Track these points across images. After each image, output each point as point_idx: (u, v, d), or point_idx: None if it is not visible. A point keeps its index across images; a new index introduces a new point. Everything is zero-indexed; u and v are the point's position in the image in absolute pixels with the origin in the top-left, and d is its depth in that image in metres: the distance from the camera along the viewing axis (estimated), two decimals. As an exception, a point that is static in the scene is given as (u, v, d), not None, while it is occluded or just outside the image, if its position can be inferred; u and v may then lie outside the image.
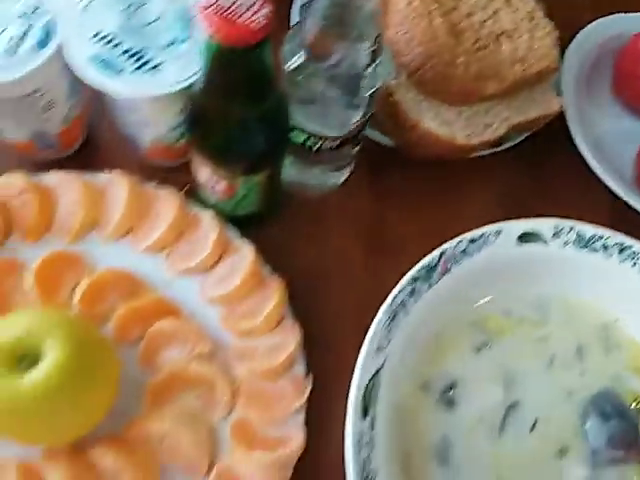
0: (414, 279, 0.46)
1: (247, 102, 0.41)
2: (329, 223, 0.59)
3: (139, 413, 0.46)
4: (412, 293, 0.46)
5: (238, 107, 0.40)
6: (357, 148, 0.54)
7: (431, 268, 0.47)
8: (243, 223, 0.54)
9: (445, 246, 0.48)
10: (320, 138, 0.48)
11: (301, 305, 0.52)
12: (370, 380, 0.42)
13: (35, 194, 0.50)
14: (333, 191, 0.60)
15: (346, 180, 0.61)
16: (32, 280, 0.48)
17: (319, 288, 0.56)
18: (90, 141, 0.58)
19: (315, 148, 0.49)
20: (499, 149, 0.61)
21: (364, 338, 0.44)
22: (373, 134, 0.59)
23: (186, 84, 0.44)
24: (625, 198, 0.59)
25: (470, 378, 0.49)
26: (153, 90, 0.44)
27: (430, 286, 0.47)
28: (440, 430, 0.47)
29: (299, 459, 0.46)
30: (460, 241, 0.48)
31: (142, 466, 0.44)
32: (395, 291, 0.45)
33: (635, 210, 0.59)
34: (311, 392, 0.48)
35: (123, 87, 0.44)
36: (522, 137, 0.62)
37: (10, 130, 0.50)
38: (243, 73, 0.37)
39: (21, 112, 0.47)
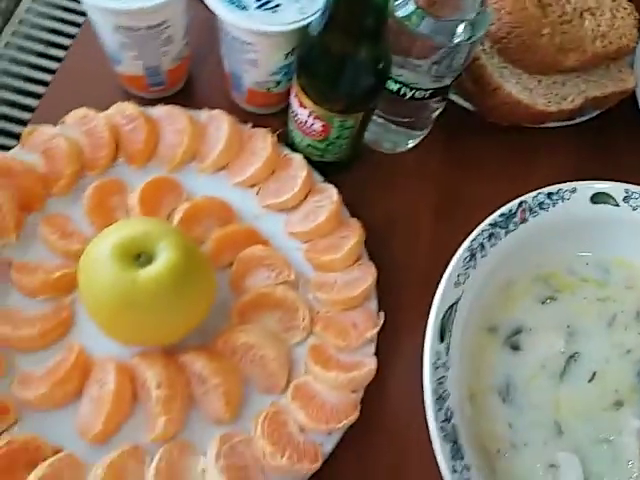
0: (493, 224, 0.49)
1: (361, 41, 0.44)
2: (403, 179, 0.62)
3: (227, 328, 0.49)
4: (490, 237, 0.48)
5: (351, 45, 0.43)
6: (441, 107, 0.57)
7: (509, 216, 0.49)
8: (327, 169, 0.57)
9: (524, 197, 0.50)
10: (412, 88, 0.51)
11: (374, 250, 0.55)
12: (448, 309, 0.45)
13: (144, 122, 0.53)
14: (409, 151, 0.63)
15: (422, 142, 0.63)
16: (137, 200, 0.51)
17: (390, 236, 0.59)
18: (191, 84, 0.62)
19: (408, 96, 0.52)
20: (572, 122, 0.63)
21: (431, 284, 0.46)
22: (456, 98, 0.62)
23: (303, 23, 0.48)
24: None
25: (534, 327, 0.51)
26: (273, 27, 0.48)
27: (507, 233, 0.49)
28: (505, 370, 0.49)
29: (368, 386, 0.49)
30: (539, 193, 0.50)
31: (228, 374, 0.47)
32: (475, 233, 0.48)
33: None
34: (381, 327, 0.51)
35: (246, 22, 0.48)
36: (595, 113, 0.64)
37: (129, 62, 0.53)
38: (365, 11, 0.40)
39: (145, 43, 0.51)
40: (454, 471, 0.40)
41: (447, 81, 0.51)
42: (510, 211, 0.49)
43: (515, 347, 0.50)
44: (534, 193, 0.50)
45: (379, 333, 0.51)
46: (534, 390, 0.49)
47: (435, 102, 0.55)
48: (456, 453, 0.41)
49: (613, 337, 0.52)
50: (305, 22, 0.48)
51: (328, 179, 0.57)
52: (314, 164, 0.56)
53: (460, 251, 0.47)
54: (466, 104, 0.62)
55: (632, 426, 0.48)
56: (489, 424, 0.47)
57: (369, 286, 0.51)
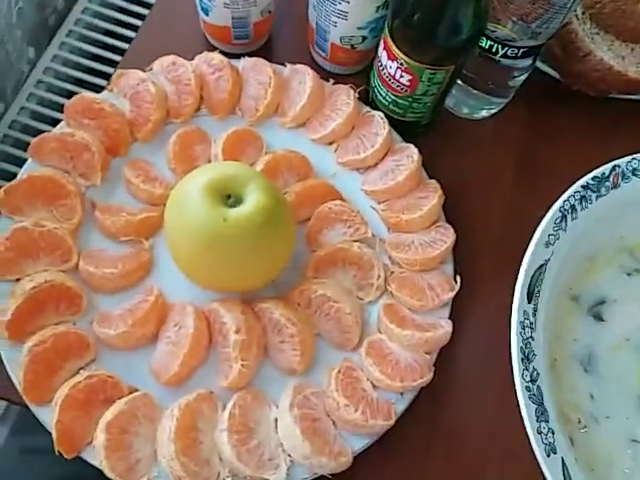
0: (585, 187, 0.46)
1: None
2: (482, 144, 0.59)
3: (302, 281, 0.48)
4: (582, 200, 0.45)
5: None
6: (524, 75, 0.54)
7: (602, 180, 0.46)
8: (406, 129, 0.55)
9: (618, 161, 0.47)
10: (505, 45, 0.48)
11: (450, 213, 0.53)
12: (537, 269, 0.42)
13: (230, 72, 0.52)
14: (489, 118, 0.61)
15: (503, 109, 0.61)
16: (220, 149, 0.50)
17: (467, 201, 0.56)
18: (272, 42, 0.61)
19: (499, 54, 0.49)
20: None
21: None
22: (541, 65, 0.59)
23: None
24: None
25: (619, 298, 0.48)
26: None
27: (598, 197, 0.46)
28: (586, 340, 0.46)
29: (441, 349, 0.48)
30: (633, 159, 0.47)
31: (304, 325, 0.45)
32: (567, 194, 0.45)
33: None
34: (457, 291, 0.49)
35: None
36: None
37: (218, 10, 0.52)
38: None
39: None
40: (539, 432, 0.38)
41: (541, 40, 0.48)
42: (603, 174, 0.46)
43: (598, 317, 0.47)
44: (628, 158, 0.47)
45: (454, 297, 0.49)
46: (617, 362, 0.46)
47: (521, 67, 0.52)
48: (541, 415, 0.39)
49: (701, 313, 0.48)
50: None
51: (406, 140, 0.54)
52: (393, 124, 0.54)
53: (552, 211, 0.44)
54: (552, 71, 0.58)
55: None
56: (570, 393, 0.44)
57: (447, 249, 0.49)
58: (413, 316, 0.48)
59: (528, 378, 0.39)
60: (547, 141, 0.60)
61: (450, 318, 0.48)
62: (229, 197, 0.41)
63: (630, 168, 0.47)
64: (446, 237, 0.49)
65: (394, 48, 0.47)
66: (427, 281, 0.49)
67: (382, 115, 0.53)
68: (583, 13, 0.56)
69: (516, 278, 0.41)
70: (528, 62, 0.51)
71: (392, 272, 0.49)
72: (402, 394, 0.45)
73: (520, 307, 0.41)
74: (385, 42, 0.49)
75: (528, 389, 0.39)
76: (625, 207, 0.48)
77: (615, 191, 0.47)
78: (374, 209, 0.52)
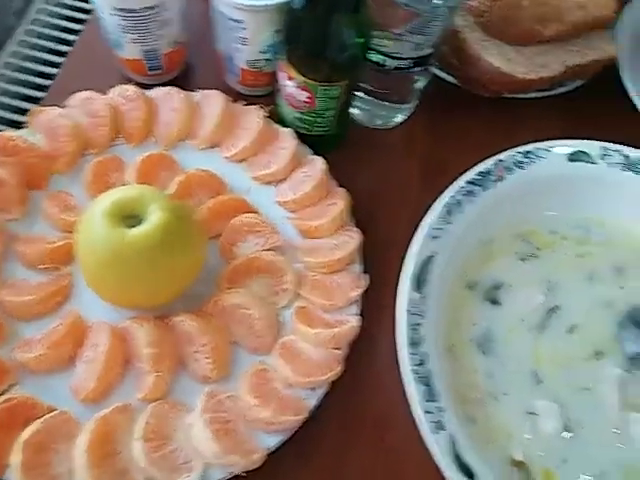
0: (470, 182, 0.47)
1: (340, 10, 0.44)
2: (391, 153, 0.61)
3: (216, 292, 0.49)
4: (468, 194, 0.47)
5: (332, 15, 0.44)
6: (423, 80, 0.56)
7: (487, 174, 0.48)
8: (316, 145, 0.56)
9: (501, 155, 0.49)
10: (394, 58, 0.50)
11: (361, 220, 0.55)
12: (424, 261, 0.44)
13: (142, 102, 0.54)
14: (397, 126, 0.62)
15: (409, 117, 0.63)
16: (134, 174, 0.52)
17: (377, 207, 0.57)
18: (188, 71, 0.62)
19: (391, 67, 0.51)
20: (554, 93, 0.61)
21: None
22: (440, 73, 0.61)
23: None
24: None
25: (515, 282, 0.49)
26: (259, 1, 0.49)
27: (484, 190, 0.48)
28: (484, 323, 0.48)
29: (355, 344, 0.49)
30: (516, 152, 0.49)
31: (216, 334, 0.46)
32: (452, 189, 0.47)
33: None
34: (367, 290, 0.51)
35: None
36: (576, 84, 0.62)
37: (129, 45, 0.54)
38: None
39: (142, 25, 0.51)
40: (427, 412, 0.39)
41: (427, 50, 0.50)
42: (487, 169, 0.48)
43: (495, 301, 0.49)
44: (511, 152, 0.49)
45: (366, 295, 0.50)
46: (513, 342, 0.47)
47: (418, 74, 0.54)
48: (430, 395, 0.40)
49: (592, 291, 0.50)
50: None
51: (321, 153, 0.56)
52: (304, 140, 0.56)
53: (437, 207, 0.46)
54: (450, 78, 0.61)
55: (612, 375, 0.46)
56: (469, 375, 0.46)
57: (353, 250, 0.51)
58: (324, 315, 0.49)
59: (417, 361, 0.40)
60: (453, 144, 0.61)
61: (362, 315, 0.50)
62: (131, 218, 0.42)
63: (513, 161, 0.49)
64: (351, 239, 0.51)
65: (289, 68, 0.49)
66: (336, 281, 0.50)
67: (290, 131, 0.54)
68: (473, 22, 0.58)
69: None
70: (422, 71, 0.53)
71: (305, 276, 0.51)
72: (314, 389, 0.46)
73: (407, 294, 0.42)
74: (281, 63, 0.51)
75: (415, 371, 0.40)
76: (515, 197, 0.50)
77: (502, 183, 0.49)
78: (288, 219, 0.53)
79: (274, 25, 0.51)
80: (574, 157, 0.49)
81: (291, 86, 0.50)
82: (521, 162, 0.48)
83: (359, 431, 0.48)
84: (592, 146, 0.49)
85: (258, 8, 0.49)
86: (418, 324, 0.42)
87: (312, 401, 0.45)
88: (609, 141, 0.53)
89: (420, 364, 0.40)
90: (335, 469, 0.46)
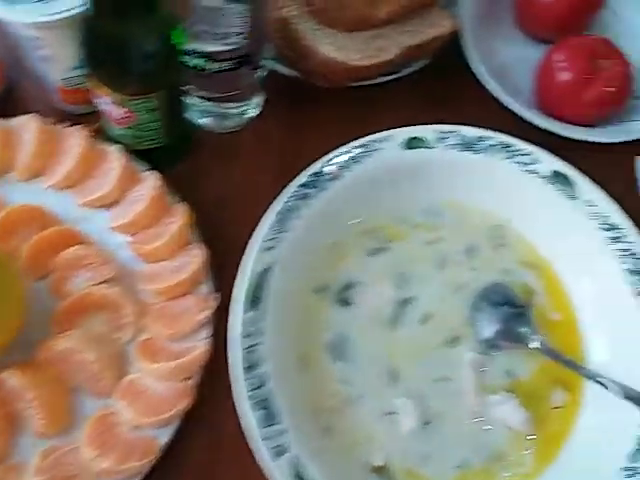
0: (304, 185, 0.45)
1: (132, 17, 0.40)
2: (245, 155, 0.57)
3: (48, 337, 0.45)
4: (303, 197, 0.45)
5: (123, 26, 0.40)
6: (252, 78, 0.53)
7: (321, 174, 0.46)
8: (153, 158, 0.53)
9: (334, 153, 0.47)
10: (212, 59, 0.47)
11: (215, 231, 0.52)
12: (260, 275, 0.42)
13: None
14: (246, 127, 0.59)
15: (260, 116, 0.60)
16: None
17: (232, 213, 0.54)
18: (10, 94, 0.57)
19: (212, 70, 0.48)
20: (401, 75, 0.60)
21: None
22: (280, 67, 0.58)
23: (75, 11, 0.44)
24: (526, 117, 0.58)
25: (365, 280, 0.48)
26: (43, 16, 0.45)
27: (321, 191, 0.46)
28: (336, 327, 0.46)
29: (209, 371, 0.46)
30: (349, 148, 0.47)
31: (46, 386, 0.42)
32: (284, 196, 0.44)
33: (539, 129, 0.58)
34: (221, 309, 0.47)
35: (18, 15, 0.45)
36: (423, 63, 0.60)
37: None
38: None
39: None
40: (266, 438, 0.37)
41: (244, 50, 0.47)
42: (321, 169, 0.46)
43: (346, 303, 0.47)
44: (345, 147, 0.47)
45: (220, 314, 0.47)
46: (367, 342, 0.46)
47: (246, 73, 0.51)
48: (270, 419, 0.38)
49: (445, 277, 0.49)
50: (77, 10, 0.44)
51: (158, 168, 0.52)
52: (140, 156, 0.52)
53: (269, 216, 0.43)
54: (290, 71, 0.58)
55: (467, 359, 0.46)
56: (323, 384, 0.44)
57: (197, 270, 0.47)
58: (171, 345, 0.46)
59: (255, 385, 0.38)
60: (307, 137, 0.58)
61: (216, 336, 0.47)
62: None
63: (348, 157, 0.47)
64: (194, 258, 0.48)
65: (97, 84, 0.45)
66: (182, 306, 0.47)
67: (117, 148, 0.50)
68: (304, 10, 0.55)
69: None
70: (250, 70, 0.50)
71: (148, 305, 0.47)
72: (165, 426, 0.43)
73: (241, 316, 0.40)
74: (89, 80, 0.46)
75: (252, 397, 0.37)
76: (358, 192, 0.48)
77: (340, 181, 0.47)
78: (126, 244, 0.50)
79: (76, 39, 0.46)
80: (411, 144, 0.48)
81: (105, 103, 0.47)
82: (356, 157, 0.46)
83: (222, 458, 0.45)
84: (427, 131, 0.48)
85: (51, 23, 0.44)
86: (255, 344, 0.39)
87: (164, 439, 0.42)
88: (460, 117, 0.52)
89: (258, 387, 0.38)
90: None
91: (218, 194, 0.56)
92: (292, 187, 0.45)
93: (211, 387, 0.45)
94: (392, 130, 0.48)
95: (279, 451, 0.37)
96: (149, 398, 0.43)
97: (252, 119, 0.58)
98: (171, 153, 0.54)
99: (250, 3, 0.43)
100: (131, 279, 0.48)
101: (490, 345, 0.46)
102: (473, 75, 0.60)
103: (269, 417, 0.37)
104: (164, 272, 0.47)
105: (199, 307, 0.46)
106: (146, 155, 0.52)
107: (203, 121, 0.57)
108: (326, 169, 0.46)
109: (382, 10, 0.54)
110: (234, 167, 0.57)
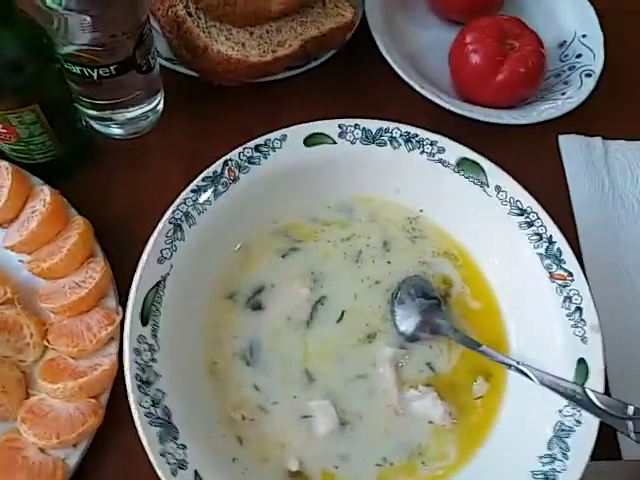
0: (196, 190, 0.48)
1: None
2: (150, 159, 0.60)
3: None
4: (196, 203, 0.47)
5: None
6: (152, 76, 0.55)
7: (215, 178, 0.48)
8: (51, 172, 0.55)
9: (229, 155, 0.49)
10: (93, 67, 0.49)
11: (118, 243, 0.54)
12: (152, 288, 0.44)
13: None
14: (149, 132, 0.61)
15: (162, 119, 0.62)
16: None
17: (138, 225, 0.56)
18: None
19: (95, 76, 0.50)
20: (308, 68, 0.63)
21: None
22: (179, 68, 0.61)
23: None
24: (438, 102, 0.61)
25: (277, 282, 0.51)
26: None
27: (217, 196, 0.48)
28: (248, 333, 0.49)
29: (120, 388, 0.48)
30: (244, 148, 0.49)
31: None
32: (175, 203, 0.47)
33: (455, 114, 0.62)
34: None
35: None
36: (330, 54, 0.64)
37: None
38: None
39: None
40: (163, 454, 0.39)
41: (124, 54, 0.49)
42: (215, 173, 0.49)
43: (257, 307, 0.50)
44: (239, 149, 0.49)
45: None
46: (280, 345, 0.49)
47: (134, 77, 0.53)
48: (167, 435, 0.40)
49: (361, 272, 0.52)
50: None
51: (61, 180, 0.54)
52: (36, 170, 0.54)
53: (160, 225, 0.46)
54: (189, 72, 0.60)
55: (385, 354, 0.49)
56: (235, 392, 0.47)
57: (98, 284, 0.50)
58: (76, 364, 0.48)
59: (149, 403, 0.40)
60: (212, 138, 0.62)
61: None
62: None
63: (244, 158, 0.50)
64: (95, 272, 0.50)
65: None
66: (86, 323, 0.49)
67: (5, 164, 0.52)
68: (197, 8, 0.58)
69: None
70: (135, 75, 0.52)
71: (52, 324, 0.49)
72: (75, 446, 0.45)
73: (133, 333, 0.42)
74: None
75: (149, 415, 0.40)
76: (260, 194, 0.51)
77: (237, 184, 0.49)
78: (23, 263, 0.51)
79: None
80: (312, 141, 0.51)
81: (-20, 119, 0.48)
82: (253, 158, 0.49)
83: (134, 477, 0.47)
84: (326, 126, 0.51)
85: None
86: (151, 359, 0.41)
87: (74, 459, 0.45)
88: (376, 108, 0.56)
89: (154, 405, 0.40)
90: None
91: (123, 203, 0.58)
92: (184, 194, 0.47)
93: (122, 405, 0.47)
94: (290, 127, 0.50)
95: (179, 466, 0.39)
96: (52, 420, 0.45)
97: (154, 123, 0.60)
98: (68, 164, 0.56)
99: (101, 12, 0.45)
100: (30, 298, 0.50)
101: (409, 338, 0.49)
102: (387, 63, 0.63)
103: (166, 433, 0.40)
104: (64, 289, 0.50)
105: (104, 323, 0.49)
106: (43, 168, 0.54)
107: (103, 129, 0.59)
108: (221, 171, 0.48)
109: (273, 2, 0.57)
110: (139, 174, 0.60)
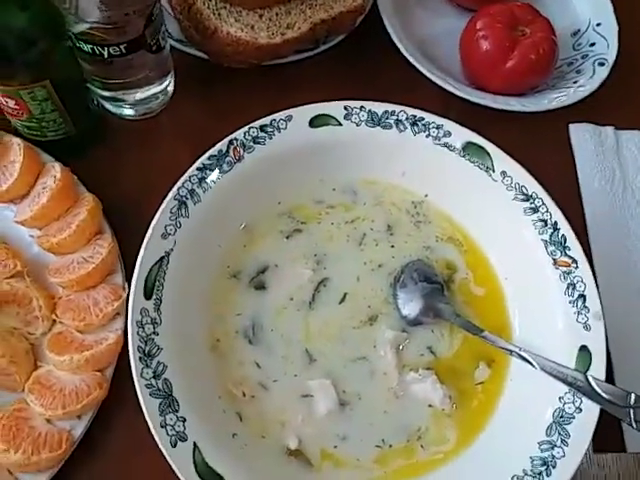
0: (202, 168, 0.48)
1: (5, 8, 0.43)
2: (160, 140, 0.61)
3: (-45, 335, 0.48)
4: (201, 182, 0.48)
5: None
6: (163, 55, 0.56)
7: (220, 157, 0.49)
8: (61, 149, 0.56)
9: (234, 134, 0.49)
10: (103, 45, 0.50)
11: (127, 220, 0.54)
12: (156, 263, 0.44)
13: None
14: (161, 112, 0.62)
15: (172, 100, 0.62)
16: None
17: (147, 203, 0.57)
18: None
19: (106, 54, 0.50)
20: (317, 52, 0.63)
21: None
22: (189, 49, 0.61)
23: None
24: (447, 88, 0.61)
25: (280, 263, 0.51)
26: None
27: (222, 174, 0.49)
28: (251, 312, 0.49)
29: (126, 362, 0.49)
30: (250, 128, 0.50)
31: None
32: (181, 181, 0.47)
33: (465, 100, 0.61)
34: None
35: None
36: (340, 38, 0.64)
37: None
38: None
39: None
40: (163, 426, 0.40)
41: (129, 33, 0.50)
42: (220, 152, 0.49)
43: (260, 286, 0.50)
44: (245, 128, 0.50)
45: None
46: (282, 325, 0.49)
47: (143, 57, 0.53)
48: (167, 407, 0.41)
49: (364, 255, 0.52)
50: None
51: (72, 158, 0.55)
52: (50, 145, 0.55)
53: (165, 202, 0.46)
54: (199, 53, 0.61)
55: (386, 337, 0.49)
56: (236, 370, 0.47)
57: (105, 261, 0.50)
58: (83, 338, 0.49)
59: (150, 375, 0.41)
60: (223, 120, 0.60)
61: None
62: None
63: (250, 138, 0.50)
64: (102, 248, 0.51)
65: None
66: (93, 298, 0.50)
67: (18, 141, 0.53)
68: (207, -10, 0.58)
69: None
70: (147, 51, 0.53)
71: (60, 297, 0.50)
72: (80, 417, 0.46)
73: (136, 306, 0.42)
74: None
75: (149, 386, 0.40)
76: (265, 174, 0.51)
77: (241, 163, 0.49)
78: (33, 238, 0.52)
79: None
80: (317, 122, 0.51)
81: (-2, 96, 0.49)
82: (259, 137, 0.49)
83: (138, 448, 0.48)
84: (332, 107, 0.51)
85: None
86: (153, 333, 0.42)
87: (79, 430, 0.46)
88: (376, 93, 0.55)
89: (156, 376, 0.41)
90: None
91: (133, 182, 0.59)
92: (189, 171, 0.47)
93: (126, 380, 0.48)
94: (295, 108, 0.51)
95: (178, 438, 0.40)
96: (58, 391, 0.46)
97: (165, 104, 0.61)
98: (79, 143, 0.57)
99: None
100: (40, 272, 0.50)
101: (411, 322, 0.50)
102: (397, 49, 0.63)
103: (167, 405, 0.40)
104: (73, 264, 0.50)
105: (110, 298, 0.49)
106: (54, 146, 0.55)
107: (115, 109, 0.60)
108: (226, 150, 0.48)
109: (283, -16, 0.57)
110: (149, 154, 0.61)
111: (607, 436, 0.52)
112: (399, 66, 0.63)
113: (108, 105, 0.60)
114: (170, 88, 0.61)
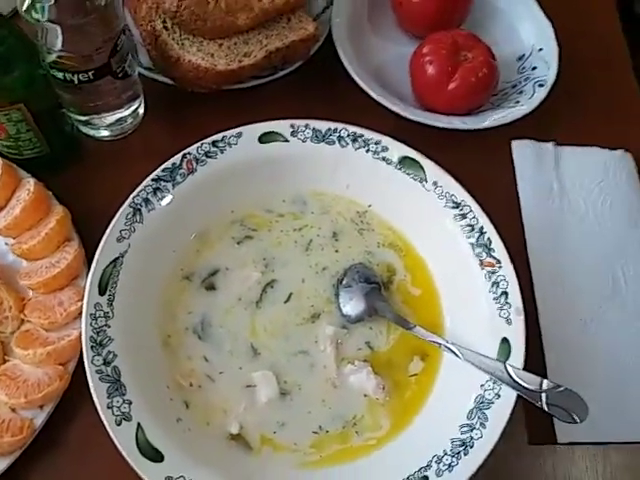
0: (156, 179, 0.53)
1: None
2: (131, 160, 0.65)
3: None
4: (156, 192, 0.53)
5: None
6: (123, 87, 0.61)
7: (174, 169, 0.54)
8: (38, 167, 0.61)
9: (188, 149, 0.55)
10: (73, 72, 0.55)
11: (95, 231, 0.59)
12: (111, 263, 0.49)
13: None
14: (133, 133, 0.67)
15: (144, 122, 0.68)
16: None
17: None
18: None
19: (76, 81, 0.55)
20: (274, 77, 0.68)
21: None
22: (157, 76, 0.67)
23: None
24: (394, 109, 0.66)
25: (231, 266, 0.56)
26: None
27: (175, 185, 0.54)
28: (201, 310, 0.53)
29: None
30: (202, 143, 0.55)
31: None
32: (136, 190, 0.52)
33: (414, 122, 0.66)
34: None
35: None
36: (297, 65, 0.69)
37: None
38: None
39: None
40: (109, 407, 0.44)
41: (99, 62, 0.55)
42: (174, 164, 0.54)
43: (211, 287, 0.55)
44: (198, 144, 0.55)
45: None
46: (230, 322, 0.53)
47: (111, 83, 0.59)
48: (115, 391, 0.45)
49: (310, 259, 0.57)
50: None
51: (47, 175, 0.60)
52: (25, 165, 0.60)
53: (122, 208, 0.51)
54: (166, 80, 0.66)
55: (327, 333, 0.53)
56: (185, 363, 0.51)
57: (70, 264, 0.55)
58: (48, 335, 0.53)
59: (101, 361, 0.45)
60: (185, 141, 0.66)
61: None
62: None
63: (202, 152, 0.55)
64: (68, 254, 0.55)
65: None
66: (58, 298, 0.54)
67: (-6, 158, 0.58)
68: (171, 23, 0.64)
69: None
70: (113, 80, 0.58)
71: (30, 299, 0.55)
72: (42, 407, 0.50)
73: (90, 300, 0.47)
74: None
75: (99, 372, 0.45)
76: (217, 186, 0.56)
77: (194, 176, 0.54)
78: (7, 245, 0.57)
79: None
80: (265, 139, 0.56)
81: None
82: (210, 152, 0.54)
83: (96, 438, 0.51)
84: (279, 125, 0.56)
85: None
86: (105, 325, 0.46)
87: (40, 419, 0.50)
88: (333, 115, 0.60)
89: (105, 363, 0.45)
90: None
91: (105, 198, 0.62)
92: (145, 182, 0.52)
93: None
94: (245, 126, 0.56)
95: (123, 418, 0.44)
96: (22, 382, 0.50)
97: (136, 125, 0.66)
98: (55, 161, 0.62)
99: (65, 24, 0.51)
100: (12, 277, 0.55)
101: (351, 320, 0.54)
102: (351, 75, 0.68)
103: (114, 389, 0.45)
104: (41, 268, 0.55)
105: (74, 299, 0.54)
106: (31, 164, 0.60)
107: (89, 131, 0.65)
108: (180, 164, 0.53)
109: (240, 18, 0.63)
110: (121, 172, 0.65)
111: (541, 429, 0.56)
112: (353, 90, 0.68)
113: (83, 128, 0.65)
114: (140, 111, 0.67)
